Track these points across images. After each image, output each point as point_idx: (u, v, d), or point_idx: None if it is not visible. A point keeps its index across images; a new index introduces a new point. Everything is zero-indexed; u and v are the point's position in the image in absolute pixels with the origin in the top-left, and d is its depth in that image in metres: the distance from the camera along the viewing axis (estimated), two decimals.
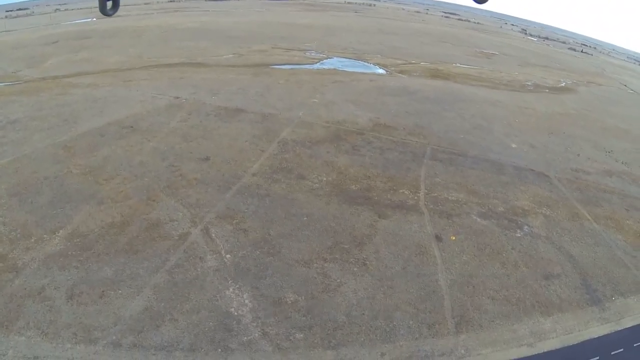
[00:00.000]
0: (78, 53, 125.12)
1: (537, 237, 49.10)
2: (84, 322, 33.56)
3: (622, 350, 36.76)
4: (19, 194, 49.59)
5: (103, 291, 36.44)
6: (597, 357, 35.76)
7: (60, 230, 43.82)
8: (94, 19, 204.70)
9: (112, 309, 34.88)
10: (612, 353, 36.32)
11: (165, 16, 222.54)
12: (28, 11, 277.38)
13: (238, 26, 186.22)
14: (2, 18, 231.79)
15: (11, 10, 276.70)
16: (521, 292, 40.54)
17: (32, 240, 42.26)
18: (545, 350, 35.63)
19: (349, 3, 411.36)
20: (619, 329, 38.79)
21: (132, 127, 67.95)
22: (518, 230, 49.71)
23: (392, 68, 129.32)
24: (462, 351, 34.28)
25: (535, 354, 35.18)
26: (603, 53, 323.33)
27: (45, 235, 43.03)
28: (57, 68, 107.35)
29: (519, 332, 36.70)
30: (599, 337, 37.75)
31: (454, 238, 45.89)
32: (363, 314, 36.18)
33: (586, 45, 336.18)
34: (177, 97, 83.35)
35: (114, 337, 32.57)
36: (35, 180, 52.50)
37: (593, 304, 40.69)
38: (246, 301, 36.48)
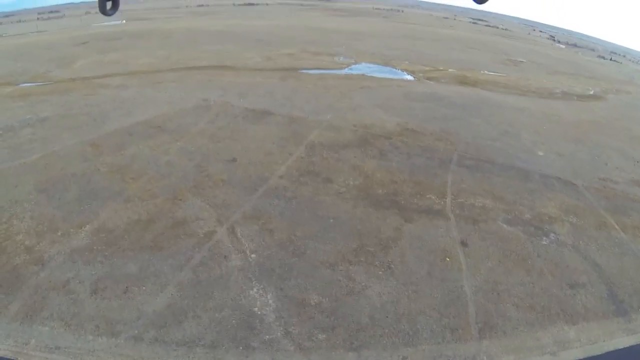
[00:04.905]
0: (107, 54, 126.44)
1: (564, 245, 48.08)
2: (106, 316, 33.69)
3: None
4: (47, 189, 50.20)
5: (127, 286, 36.56)
6: None
7: (87, 226, 44.17)
8: (124, 22, 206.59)
9: (135, 304, 34.97)
10: None
11: (194, 19, 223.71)
12: (59, 14, 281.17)
13: (266, 30, 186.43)
14: (34, 20, 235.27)
15: (43, 12, 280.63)
16: (546, 300, 39.63)
17: (59, 234, 42.63)
18: None
19: (377, 9, 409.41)
20: None
21: (159, 127, 68.55)
22: (544, 238, 48.79)
23: (420, 74, 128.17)
24: (485, 357, 33.59)
25: None
26: (632, 61, 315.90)
27: (71, 230, 43.38)
28: (87, 69, 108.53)
29: (543, 340, 35.83)
30: (624, 349, 36.67)
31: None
32: (386, 317, 35.83)
33: (615, 53, 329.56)
34: (205, 99, 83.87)
35: (136, 331, 32.60)
36: (63, 176, 53.12)
37: (619, 314, 39.47)
38: (270, 301, 36.35)
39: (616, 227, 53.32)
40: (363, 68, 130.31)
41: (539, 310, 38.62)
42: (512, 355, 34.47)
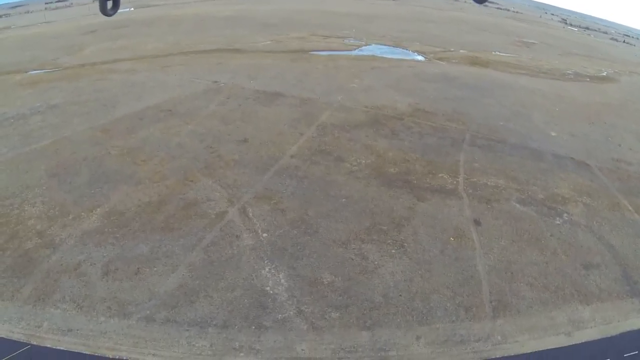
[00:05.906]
0: (116, 41, 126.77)
1: (577, 225, 47.70)
2: (118, 297, 33.89)
3: None
4: (58, 174, 50.41)
5: (138, 268, 36.70)
6: (637, 351, 34.29)
7: (98, 209, 44.39)
8: (132, 9, 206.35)
9: (146, 285, 35.14)
10: None
11: (202, 5, 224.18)
12: (67, 2, 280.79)
13: (274, 14, 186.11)
14: (42, 10, 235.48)
15: (50, 2, 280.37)
16: (560, 280, 39.36)
17: (70, 217, 42.85)
18: (584, 341, 34.28)
19: None
20: None
21: (170, 110, 68.39)
22: (557, 218, 48.37)
23: (431, 55, 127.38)
24: (499, 337, 33.33)
25: (574, 344, 33.91)
26: None
27: (82, 213, 43.63)
28: (96, 55, 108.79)
29: (557, 319, 35.60)
30: (639, 330, 36.26)
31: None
32: (400, 295, 35.65)
33: (628, 36, 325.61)
34: (216, 82, 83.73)
35: (148, 312, 32.73)
36: (74, 161, 53.24)
37: (633, 295, 39.18)
38: (282, 280, 36.31)
39: (630, 208, 52.61)
40: (374, 49, 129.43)
41: (552, 290, 38.25)
42: (527, 334, 34.07)
